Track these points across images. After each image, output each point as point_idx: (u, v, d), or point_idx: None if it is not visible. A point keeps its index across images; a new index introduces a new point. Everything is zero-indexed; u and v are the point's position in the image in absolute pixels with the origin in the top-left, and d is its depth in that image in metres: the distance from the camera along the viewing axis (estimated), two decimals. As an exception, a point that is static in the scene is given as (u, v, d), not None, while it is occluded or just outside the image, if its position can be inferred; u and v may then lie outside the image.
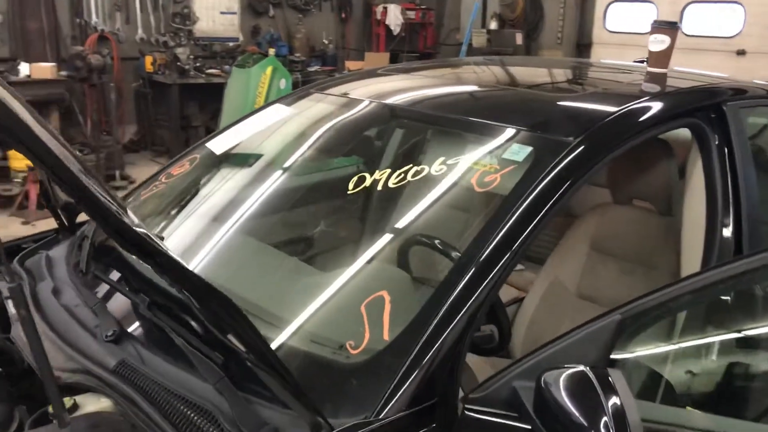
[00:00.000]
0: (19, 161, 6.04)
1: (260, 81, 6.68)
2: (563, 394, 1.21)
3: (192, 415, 1.37)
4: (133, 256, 1.56)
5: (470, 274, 1.48)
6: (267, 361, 1.27)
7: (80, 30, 7.82)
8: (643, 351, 1.44)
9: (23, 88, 6.57)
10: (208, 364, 1.41)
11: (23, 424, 1.55)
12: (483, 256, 1.50)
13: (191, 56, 8.19)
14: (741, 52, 7.26)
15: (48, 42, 7.37)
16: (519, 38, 9.23)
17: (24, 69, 6.66)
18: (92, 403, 1.53)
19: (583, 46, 9.23)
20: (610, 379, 1.16)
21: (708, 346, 1.70)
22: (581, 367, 1.20)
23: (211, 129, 8.27)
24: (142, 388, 1.45)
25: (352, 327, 1.50)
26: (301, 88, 2.71)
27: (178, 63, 7.91)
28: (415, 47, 10.62)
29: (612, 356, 1.31)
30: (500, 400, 1.36)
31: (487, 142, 1.87)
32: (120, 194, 2.43)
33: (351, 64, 8.93)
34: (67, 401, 1.49)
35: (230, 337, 1.33)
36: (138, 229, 1.15)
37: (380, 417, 1.32)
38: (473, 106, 2.19)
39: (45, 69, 6.68)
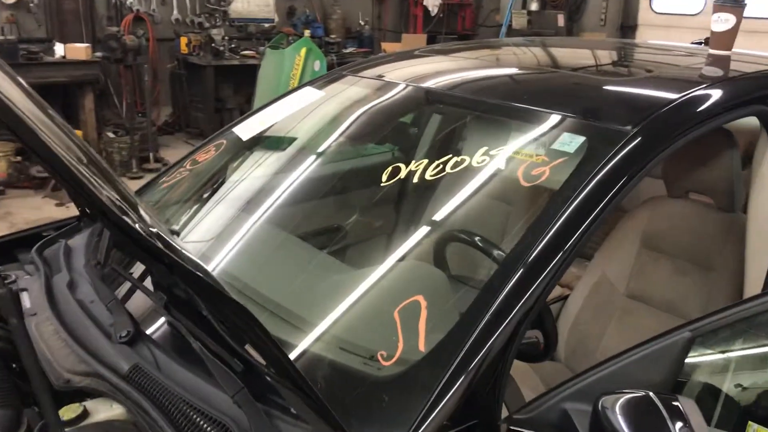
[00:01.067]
0: (53, 143, 6.01)
1: (294, 62, 6.54)
2: (624, 422, 1.06)
3: (207, 428, 1.25)
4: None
5: (517, 277, 1.33)
6: (287, 375, 1.15)
7: (116, 11, 7.76)
8: (716, 374, 1.28)
9: (58, 68, 6.57)
10: (226, 373, 1.29)
11: (32, 429, 1.45)
12: (531, 258, 1.35)
13: (226, 37, 8.08)
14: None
15: (83, 23, 7.33)
16: (561, 20, 8.93)
17: (59, 50, 6.63)
18: (104, 410, 1.42)
19: (627, 28, 8.90)
20: (681, 408, 1.01)
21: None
22: (647, 393, 1.05)
23: (246, 112, 8.17)
24: (156, 397, 1.33)
25: (384, 334, 1.36)
26: (333, 70, 2.57)
27: (213, 44, 7.81)
28: (454, 29, 10.36)
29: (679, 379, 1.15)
30: (549, 423, 1.21)
31: (534, 131, 1.71)
32: (152, 177, 2.34)
33: (387, 46, 8.73)
34: (77, 408, 1.39)
35: (247, 348, 1.20)
36: (140, 225, 1.03)
37: (413, 439, 1.18)
38: (517, 90, 2.02)
39: (79, 50, 6.64)
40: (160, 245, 1.05)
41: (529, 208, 1.50)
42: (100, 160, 1.44)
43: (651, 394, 1.04)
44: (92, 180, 1.04)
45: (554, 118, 1.70)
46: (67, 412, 1.38)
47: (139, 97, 7.55)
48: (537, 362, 1.76)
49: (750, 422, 1.58)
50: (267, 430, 1.21)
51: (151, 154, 7.07)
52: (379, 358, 1.32)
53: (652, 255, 2.34)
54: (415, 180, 1.66)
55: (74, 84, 6.77)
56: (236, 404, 1.25)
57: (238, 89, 8.35)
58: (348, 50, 8.87)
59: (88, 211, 2.15)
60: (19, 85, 1.25)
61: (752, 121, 1.95)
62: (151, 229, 1.13)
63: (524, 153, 1.64)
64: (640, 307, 2.34)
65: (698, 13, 7.78)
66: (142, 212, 1.31)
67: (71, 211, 6.11)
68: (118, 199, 1.13)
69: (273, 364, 1.16)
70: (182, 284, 1.28)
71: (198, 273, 1.11)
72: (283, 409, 1.26)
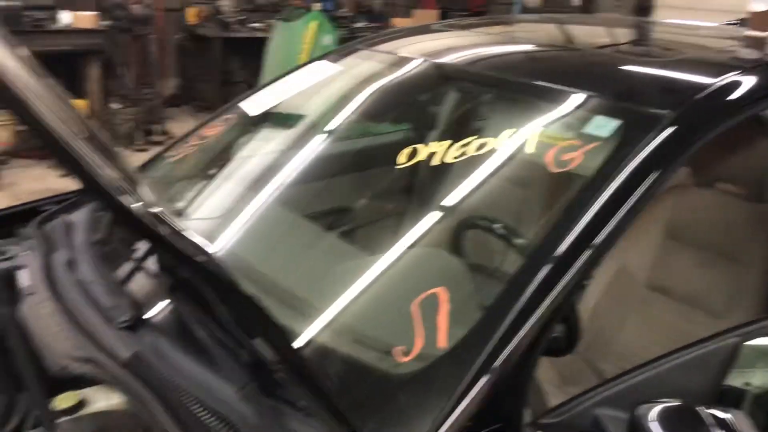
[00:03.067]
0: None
1: (304, 36, 6.40)
2: (665, 434, 0.97)
3: (211, 423, 1.17)
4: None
5: (546, 269, 1.24)
6: (299, 373, 1.06)
7: (122, -21, 7.59)
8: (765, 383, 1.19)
9: (64, 36, 6.43)
10: (233, 366, 1.20)
11: (26, 415, 1.37)
12: (562, 250, 1.26)
13: (234, 9, 7.93)
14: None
15: (90, -10, 7.17)
16: (576, -1, 8.73)
17: (64, 18, 6.49)
18: (102, 399, 1.34)
19: (644, 9, 8.69)
20: (733, 424, 0.92)
21: None
22: (693, 405, 0.96)
23: (254, 85, 8.05)
24: (156, 388, 1.25)
25: (402, 327, 1.27)
26: (347, 44, 2.46)
27: (221, 16, 7.67)
28: (466, 6, 10.18)
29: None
30: (579, 429, 1.13)
31: (563, 113, 1.61)
32: (158, 150, 2.25)
33: (398, 21, 8.56)
34: (73, 396, 1.31)
35: (256, 342, 1.12)
36: (138, 206, 0.94)
37: (432, 442, 1.10)
38: (544, 68, 1.91)
39: (87, 18, 6.50)
40: (161, 230, 0.96)
41: (560, 195, 1.40)
42: (101, 135, 1.34)
43: (699, 407, 0.95)
44: (90, 156, 0.95)
45: (584, 99, 1.60)
46: (64, 401, 1.30)
47: (145, 68, 7.43)
48: (558, 357, 1.67)
49: None
50: (275, 428, 1.13)
51: (156, 127, 6.96)
52: (397, 353, 1.23)
53: (676, 245, 2.25)
54: (436, 162, 1.56)
55: (80, 53, 6.63)
56: (243, 399, 1.17)
57: (246, 62, 8.20)
58: (359, 25, 8.71)
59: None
60: (12, 51, 1.15)
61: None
62: (152, 210, 1.04)
63: (553, 136, 1.54)
64: (661, 299, 2.25)
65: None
66: (144, 191, 1.21)
67: (75, 182, 6.03)
68: (119, 177, 1.04)
69: (283, 360, 1.07)
70: (186, 271, 1.19)
71: (203, 260, 1.02)
72: (293, 405, 1.18)
